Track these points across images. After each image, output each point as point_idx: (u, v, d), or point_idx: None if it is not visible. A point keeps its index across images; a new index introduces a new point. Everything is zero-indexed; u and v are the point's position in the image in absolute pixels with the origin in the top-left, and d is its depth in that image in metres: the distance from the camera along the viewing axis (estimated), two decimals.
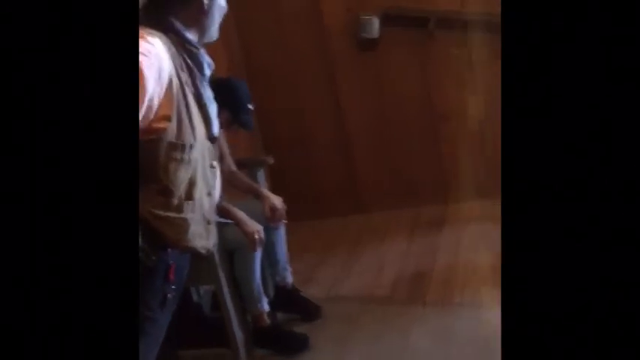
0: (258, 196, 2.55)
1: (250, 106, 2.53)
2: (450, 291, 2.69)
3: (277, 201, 2.51)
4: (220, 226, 2.30)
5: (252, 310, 2.46)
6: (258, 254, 2.42)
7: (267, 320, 2.47)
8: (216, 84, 2.32)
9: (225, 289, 2.36)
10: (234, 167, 2.63)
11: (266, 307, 2.47)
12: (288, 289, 2.69)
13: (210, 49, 1.54)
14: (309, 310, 2.68)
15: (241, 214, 2.33)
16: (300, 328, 2.59)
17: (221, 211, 2.31)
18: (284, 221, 2.60)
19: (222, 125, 2.41)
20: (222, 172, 2.59)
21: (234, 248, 2.39)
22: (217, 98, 2.21)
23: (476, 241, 3.10)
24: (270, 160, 2.90)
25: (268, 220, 2.49)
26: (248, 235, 2.29)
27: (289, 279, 2.70)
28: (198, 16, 1.46)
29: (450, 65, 3.42)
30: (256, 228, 2.31)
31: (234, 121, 2.48)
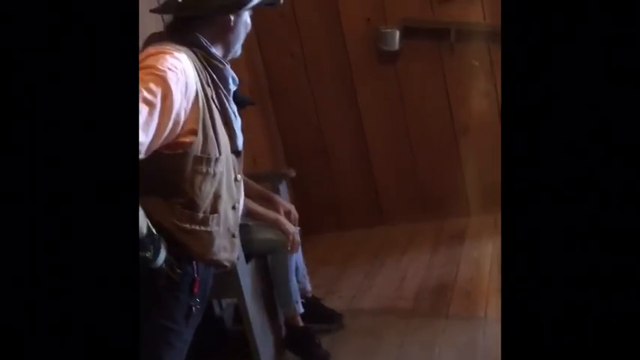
0: (271, 202, 2.56)
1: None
2: (473, 304, 2.66)
3: (290, 206, 2.55)
4: (250, 231, 2.34)
5: (287, 311, 2.45)
6: (293, 256, 2.43)
7: (300, 322, 2.46)
8: None
9: (248, 302, 2.36)
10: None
11: (301, 309, 2.46)
12: (308, 297, 2.68)
13: (232, 62, 1.56)
14: (331, 318, 2.67)
15: (277, 215, 2.38)
16: (323, 340, 2.58)
17: (252, 214, 2.35)
18: (298, 227, 2.61)
19: None
20: None
21: (269, 250, 2.40)
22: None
23: (499, 254, 3.07)
24: (292, 173, 2.91)
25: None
26: (288, 235, 2.34)
27: (309, 287, 2.70)
28: (224, 33, 1.48)
29: (471, 77, 3.41)
30: (294, 229, 2.37)
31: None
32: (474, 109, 3.45)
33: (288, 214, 2.51)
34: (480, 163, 3.50)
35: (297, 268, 2.63)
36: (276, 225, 2.35)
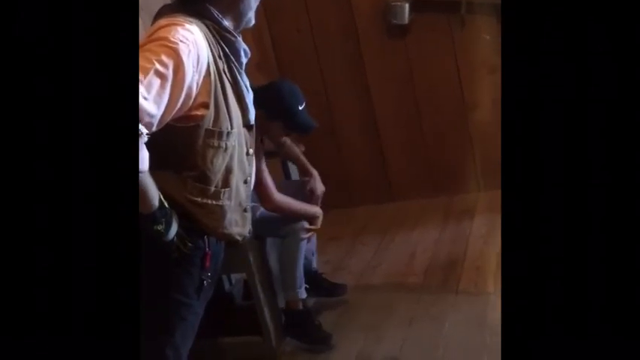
0: (305, 172, 2.61)
1: (301, 107, 2.32)
2: (482, 279, 2.66)
3: (319, 185, 2.57)
4: (269, 215, 2.35)
5: (289, 295, 2.45)
6: (305, 243, 2.44)
7: (300, 306, 2.46)
8: (260, 92, 2.30)
9: (257, 278, 2.37)
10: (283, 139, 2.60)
11: (303, 294, 2.46)
12: (312, 273, 2.68)
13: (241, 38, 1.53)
14: (334, 290, 2.69)
15: (314, 209, 2.44)
16: (332, 314, 2.59)
17: (289, 211, 2.38)
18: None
19: (275, 137, 2.42)
20: (274, 144, 2.61)
21: (285, 234, 2.41)
22: (266, 107, 2.17)
23: None
24: (302, 148, 2.90)
25: (311, 199, 2.54)
26: (316, 216, 2.40)
27: (314, 265, 2.71)
28: (235, 3, 1.46)
29: (482, 51, 3.37)
30: (319, 210, 2.44)
31: (290, 129, 2.36)
32: (485, 84, 3.41)
33: (312, 193, 2.55)
34: (490, 139, 3.47)
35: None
36: (303, 215, 2.40)
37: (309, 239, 2.46)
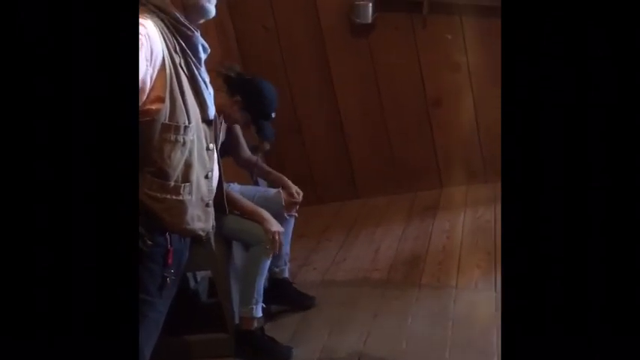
0: (282, 184, 2.61)
1: (273, 115, 2.42)
2: (445, 274, 2.71)
3: (296, 191, 2.58)
4: (237, 221, 2.31)
5: (244, 311, 2.33)
6: (268, 262, 2.36)
7: (253, 325, 2.33)
8: (244, 81, 2.36)
9: (223, 275, 2.37)
10: (251, 155, 2.71)
11: (259, 312, 2.34)
12: (282, 280, 2.65)
13: (204, 34, 1.53)
14: (302, 302, 2.64)
15: (265, 213, 2.34)
16: (297, 312, 2.60)
17: (239, 207, 2.33)
18: (295, 214, 2.62)
19: (234, 122, 2.45)
20: (242, 160, 2.65)
21: (251, 242, 2.35)
22: (244, 97, 2.28)
23: (469, 225, 3.12)
24: (267, 147, 2.90)
25: (285, 209, 2.53)
26: (273, 235, 2.30)
27: (286, 273, 2.67)
28: None
29: (444, 50, 3.42)
30: (279, 228, 2.33)
31: (257, 127, 2.41)
32: (447, 82, 3.46)
33: (291, 196, 2.55)
34: (452, 136, 3.53)
35: (279, 255, 2.53)
36: (262, 223, 2.31)
37: (272, 250, 2.33)
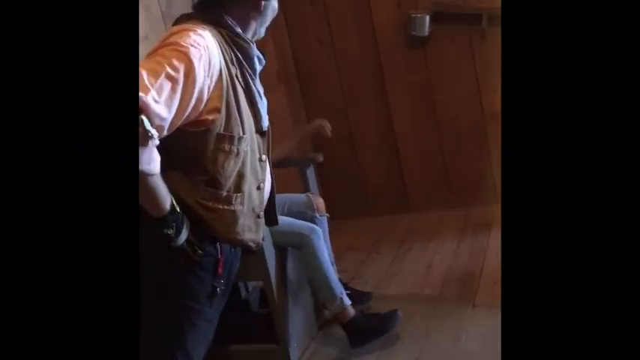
0: (313, 131, 2.88)
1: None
2: (499, 293, 2.62)
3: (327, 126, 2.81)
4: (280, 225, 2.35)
5: (334, 309, 2.37)
6: (324, 249, 2.39)
7: (350, 314, 2.37)
8: None
9: (274, 285, 2.37)
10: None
11: (347, 301, 2.38)
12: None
13: (261, 48, 1.55)
14: (360, 299, 2.63)
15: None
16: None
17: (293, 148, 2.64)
18: (327, 214, 2.64)
19: None
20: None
21: (297, 244, 2.38)
22: None
23: None
24: (320, 159, 2.91)
25: (318, 211, 2.56)
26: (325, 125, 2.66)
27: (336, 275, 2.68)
28: (251, 15, 1.48)
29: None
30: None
31: None
32: None
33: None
34: None
35: None
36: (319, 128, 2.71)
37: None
